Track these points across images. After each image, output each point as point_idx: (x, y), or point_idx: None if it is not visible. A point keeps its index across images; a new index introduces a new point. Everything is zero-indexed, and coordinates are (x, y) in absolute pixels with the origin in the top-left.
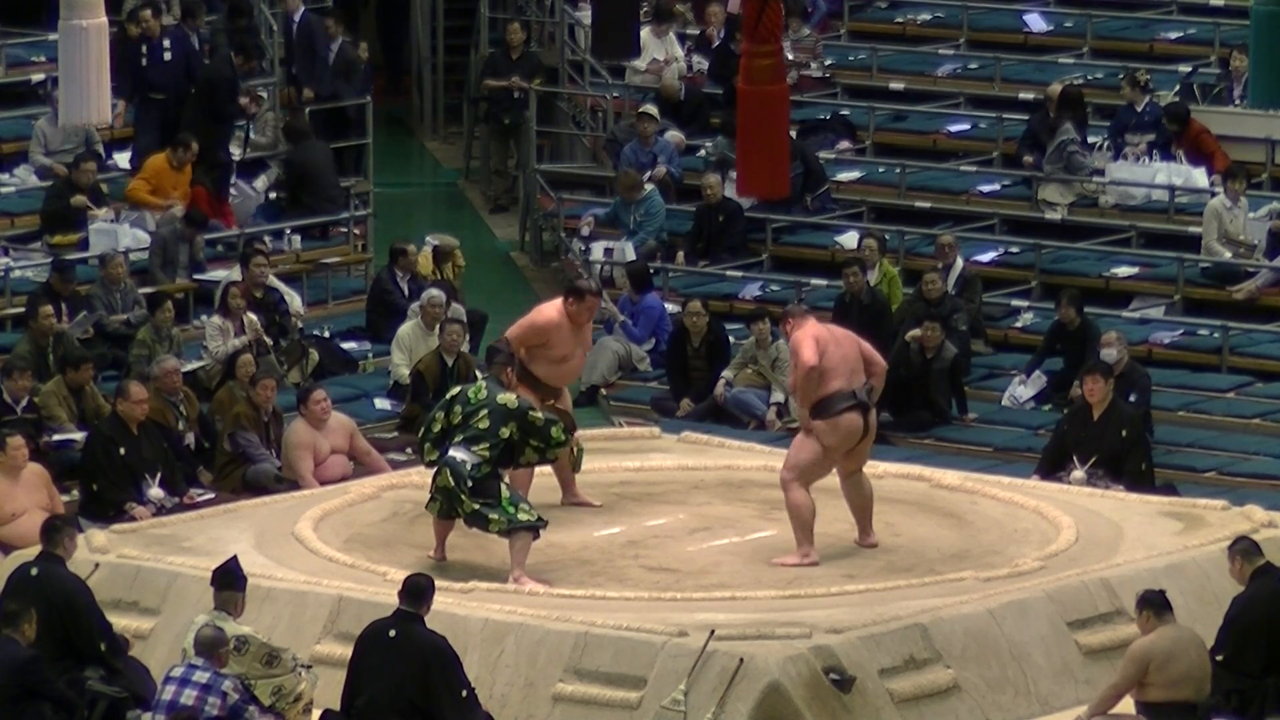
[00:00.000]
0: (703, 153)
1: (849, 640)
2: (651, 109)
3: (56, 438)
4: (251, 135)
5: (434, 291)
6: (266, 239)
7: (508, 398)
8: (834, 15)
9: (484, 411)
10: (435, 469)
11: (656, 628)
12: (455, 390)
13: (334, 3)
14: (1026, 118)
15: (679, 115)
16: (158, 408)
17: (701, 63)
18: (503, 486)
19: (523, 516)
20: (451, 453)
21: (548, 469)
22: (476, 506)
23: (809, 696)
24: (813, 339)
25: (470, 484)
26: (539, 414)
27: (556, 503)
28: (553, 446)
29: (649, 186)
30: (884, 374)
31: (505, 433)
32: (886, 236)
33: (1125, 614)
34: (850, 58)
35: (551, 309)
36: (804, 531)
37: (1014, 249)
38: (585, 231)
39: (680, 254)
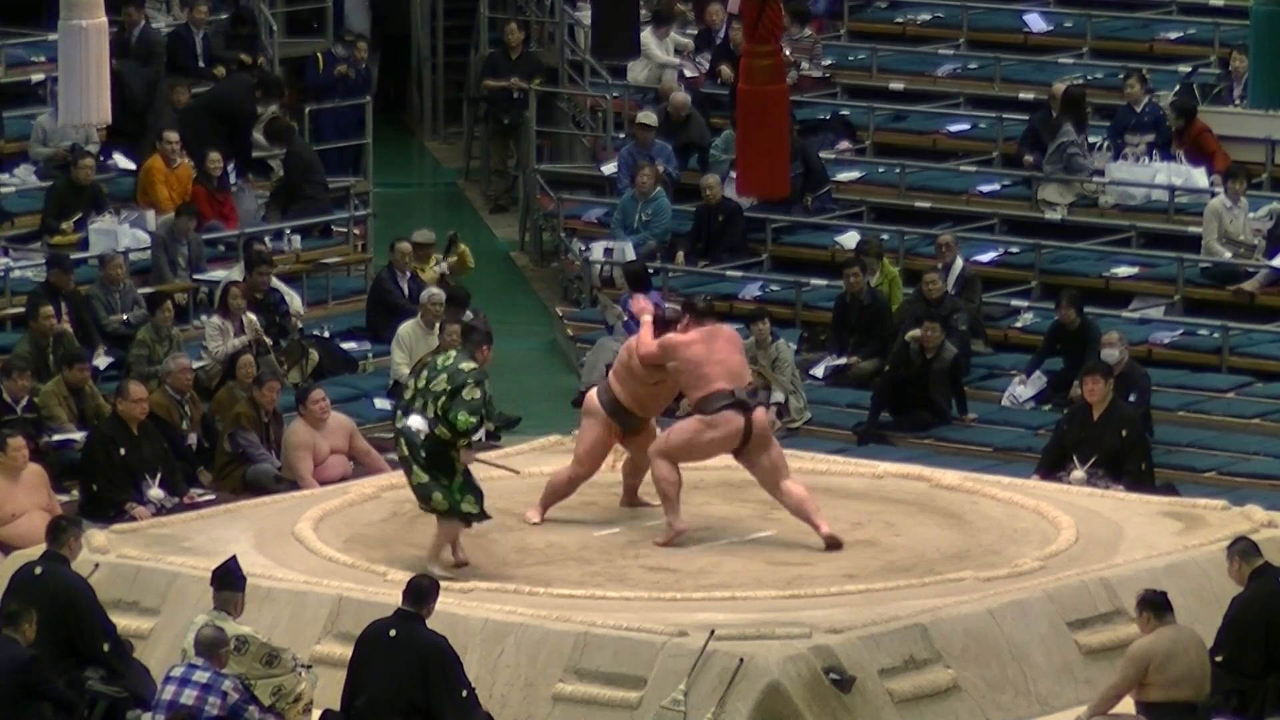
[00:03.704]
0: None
1: (849, 640)
2: (649, 118)
3: (56, 438)
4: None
5: (433, 290)
6: (267, 239)
7: (468, 364)
8: (834, 15)
9: (443, 376)
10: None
11: (656, 628)
12: (426, 356)
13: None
14: (1026, 118)
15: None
16: (163, 405)
17: (704, 63)
18: (460, 470)
19: (466, 508)
20: (408, 420)
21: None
22: (426, 479)
23: (809, 696)
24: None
25: (424, 455)
26: (477, 393)
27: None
28: (458, 431)
29: (658, 188)
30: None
31: (442, 387)
32: (885, 237)
33: (1125, 614)
34: (850, 58)
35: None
36: (669, 504)
37: (1014, 249)
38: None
39: (680, 254)
